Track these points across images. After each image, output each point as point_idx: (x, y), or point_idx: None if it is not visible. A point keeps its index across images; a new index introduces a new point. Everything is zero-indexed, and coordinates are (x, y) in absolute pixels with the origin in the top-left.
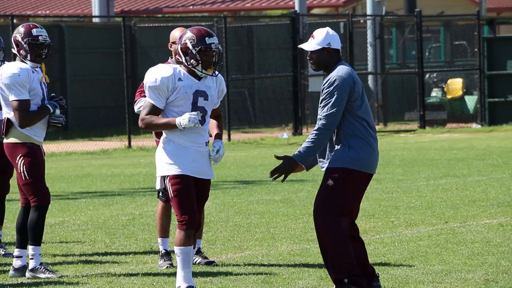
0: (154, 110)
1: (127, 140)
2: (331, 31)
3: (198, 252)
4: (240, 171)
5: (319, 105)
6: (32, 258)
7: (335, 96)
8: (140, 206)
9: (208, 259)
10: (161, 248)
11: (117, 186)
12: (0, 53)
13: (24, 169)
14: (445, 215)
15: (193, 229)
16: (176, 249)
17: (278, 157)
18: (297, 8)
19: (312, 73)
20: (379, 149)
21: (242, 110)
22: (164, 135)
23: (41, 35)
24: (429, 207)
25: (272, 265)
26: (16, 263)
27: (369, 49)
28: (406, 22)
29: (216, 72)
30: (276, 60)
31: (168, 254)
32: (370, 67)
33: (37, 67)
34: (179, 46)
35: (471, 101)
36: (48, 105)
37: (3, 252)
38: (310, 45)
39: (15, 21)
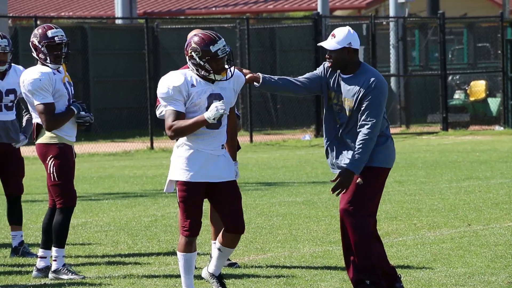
0: (177, 116)
1: (149, 141)
2: (351, 31)
3: None
4: (262, 172)
5: (362, 107)
6: (55, 260)
7: (381, 101)
8: (162, 208)
9: (230, 260)
10: None
11: (139, 187)
12: (9, 55)
13: (54, 170)
14: (468, 217)
15: (194, 236)
16: (178, 255)
17: (334, 180)
18: (319, 9)
19: None
20: (402, 151)
21: (264, 112)
22: (180, 140)
23: (57, 36)
24: (452, 210)
25: (294, 267)
26: (40, 263)
27: (392, 51)
28: (429, 24)
29: (230, 74)
30: (299, 62)
31: None
32: (392, 69)
33: (59, 68)
34: (187, 57)
35: (494, 103)
36: (72, 107)
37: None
38: (330, 44)
39: (38, 22)
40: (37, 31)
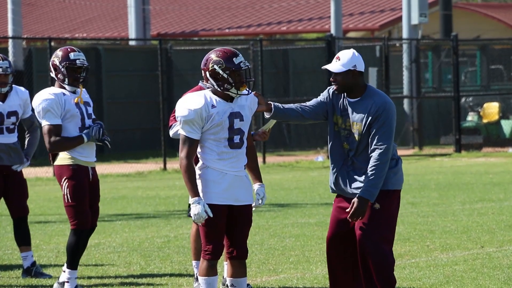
0: (192, 144)
1: (162, 162)
2: (356, 53)
3: None
4: (275, 194)
5: (372, 131)
6: (67, 282)
7: (392, 124)
8: (175, 229)
9: None
10: (195, 271)
11: (152, 208)
12: (10, 77)
13: (67, 192)
14: (481, 239)
15: (216, 260)
16: (200, 279)
17: (350, 209)
18: (333, 31)
19: None
20: (415, 173)
21: (277, 133)
22: (201, 162)
23: (79, 59)
24: (464, 232)
25: None
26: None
27: (405, 73)
28: (442, 46)
29: (249, 90)
30: (312, 83)
31: None
32: (405, 91)
33: (75, 91)
34: (207, 72)
35: (507, 125)
36: (83, 135)
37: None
38: (335, 67)
39: (52, 43)
40: (59, 52)
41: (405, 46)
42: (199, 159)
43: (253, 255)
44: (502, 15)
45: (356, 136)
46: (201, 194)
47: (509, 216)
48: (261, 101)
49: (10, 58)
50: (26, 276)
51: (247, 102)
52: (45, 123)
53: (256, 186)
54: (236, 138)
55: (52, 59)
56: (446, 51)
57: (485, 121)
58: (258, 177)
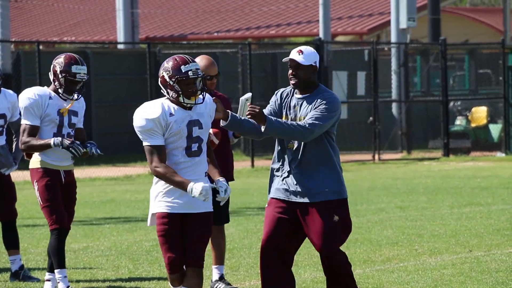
0: (159, 150)
1: None
2: (315, 51)
3: (221, 279)
4: (263, 197)
5: (312, 113)
6: (59, 282)
7: (331, 115)
8: None
9: (231, 285)
10: None
11: (140, 212)
12: None
13: (38, 194)
14: (469, 243)
15: (175, 274)
16: None
17: (252, 110)
18: (321, 35)
19: None
20: (403, 177)
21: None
22: None
23: (79, 73)
24: (453, 236)
25: None
26: (46, 286)
27: (393, 77)
28: (430, 50)
29: (201, 99)
30: None
31: None
32: (394, 95)
33: (66, 100)
34: (159, 79)
35: (495, 129)
36: (51, 140)
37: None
38: (300, 59)
39: (41, 47)
40: (62, 60)
41: (393, 50)
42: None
43: (241, 259)
44: (491, 20)
45: None
46: (158, 204)
47: (497, 220)
48: (219, 108)
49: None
50: (14, 279)
51: (206, 109)
52: (23, 122)
53: (217, 180)
54: (194, 146)
55: (54, 63)
56: (434, 55)
57: (473, 125)
58: (218, 173)
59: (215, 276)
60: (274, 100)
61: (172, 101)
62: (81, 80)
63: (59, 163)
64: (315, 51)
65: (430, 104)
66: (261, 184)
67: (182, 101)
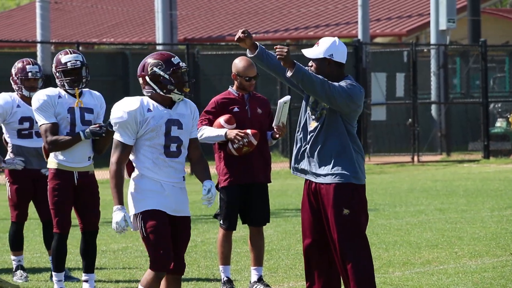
0: (124, 149)
1: (189, 167)
2: (337, 42)
3: (260, 280)
4: (301, 199)
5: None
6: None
7: (351, 93)
8: (202, 233)
9: (270, 287)
10: (223, 275)
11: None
12: (39, 81)
13: (48, 196)
14: (510, 246)
15: (164, 272)
16: None
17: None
18: (360, 37)
19: (374, 101)
20: (443, 179)
21: None
22: (136, 171)
23: (70, 61)
24: (493, 238)
25: None
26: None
27: (433, 78)
28: (470, 52)
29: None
30: None
31: (230, 282)
32: (433, 97)
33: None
34: (146, 77)
35: None
36: (80, 132)
37: (23, 275)
38: (311, 52)
39: (80, 48)
40: (55, 58)
41: (433, 52)
42: (135, 169)
43: (280, 260)
44: None
45: (325, 112)
46: (141, 203)
47: None
48: (247, 41)
49: (39, 62)
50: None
51: (187, 111)
52: (41, 122)
53: (204, 181)
54: (173, 147)
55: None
56: (474, 57)
57: None
58: (207, 176)
59: (254, 277)
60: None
61: (153, 99)
62: (73, 66)
63: (74, 164)
64: (335, 42)
65: (470, 106)
66: (299, 185)
67: (179, 93)
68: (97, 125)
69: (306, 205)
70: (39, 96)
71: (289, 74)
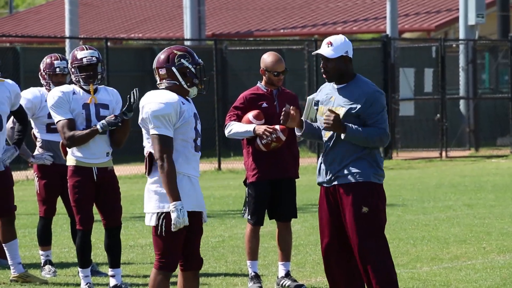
0: (169, 141)
1: (217, 162)
2: (347, 39)
3: (288, 275)
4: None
5: (368, 117)
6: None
7: (385, 112)
8: (229, 228)
9: (297, 282)
10: (250, 271)
11: (207, 208)
12: (67, 77)
13: (69, 193)
14: None
15: (172, 272)
16: None
17: (329, 118)
18: (388, 32)
19: (402, 97)
20: (471, 174)
21: None
22: None
23: (86, 57)
24: None
25: None
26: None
27: (461, 74)
28: (499, 47)
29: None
30: None
31: (257, 277)
32: (462, 92)
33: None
34: (173, 67)
35: None
36: (96, 125)
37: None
38: (328, 52)
39: (109, 43)
40: (71, 54)
41: (461, 47)
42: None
43: (307, 255)
44: None
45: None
46: (157, 201)
47: None
48: (297, 116)
49: (67, 58)
50: None
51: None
52: (57, 119)
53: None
54: (199, 141)
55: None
56: (503, 52)
57: None
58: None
59: (281, 272)
60: (312, 99)
61: (175, 93)
62: (89, 63)
63: (93, 160)
64: (346, 39)
65: (499, 101)
66: None
67: (200, 87)
68: (112, 116)
69: (324, 205)
70: (54, 93)
71: (343, 137)
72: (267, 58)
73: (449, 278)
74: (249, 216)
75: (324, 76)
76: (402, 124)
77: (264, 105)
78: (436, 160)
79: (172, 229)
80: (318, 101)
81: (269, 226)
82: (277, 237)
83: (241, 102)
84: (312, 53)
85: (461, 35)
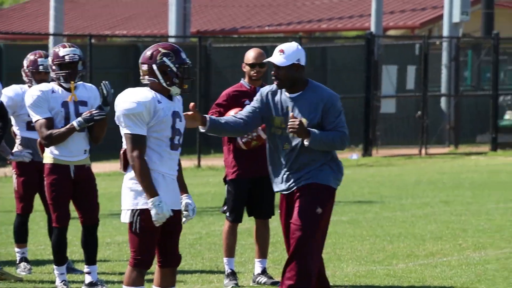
0: (141, 140)
1: (196, 159)
2: (299, 46)
3: (264, 272)
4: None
5: (327, 123)
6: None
7: (343, 115)
8: (207, 226)
9: (273, 279)
10: (226, 268)
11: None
12: (50, 75)
13: (46, 191)
14: None
15: (147, 270)
16: None
17: (293, 123)
18: (373, 29)
19: (384, 94)
20: (450, 171)
21: None
22: None
23: (68, 55)
24: (498, 231)
25: (337, 287)
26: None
27: (444, 71)
28: (483, 45)
29: (189, 88)
30: (350, 81)
31: (234, 274)
32: (443, 89)
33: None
34: (154, 65)
35: None
36: (73, 122)
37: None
38: (279, 60)
39: (93, 41)
40: (52, 51)
41: (445, 44)
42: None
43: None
44: None
45: None
46: (142, 199)
47: None
48: (197, 115)
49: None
50: None
51: (179, 104)
52: (36, 118)
53: (184, 198)
54: (177, 139)
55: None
56: (486, 50)
57: None
58: (184, 188)
59: (258, 269)
60: (259, 98)
61: (153, 89)
62: (71, 60)
63: (70, 158)
64: (298, 47)
65: (480, 98)
66: None
67: (181, 88)
68: (87, 112)
69: (284, 216)
70: (32, 92)
71: (306, 143)
72: (248, 53)
73: (425, 275)
74: (228, 213)
75: (275, 83)
76: (384, 121)
77: (247, 102)
78: (416, 157)
79: (155, 225)
80: (265, 104)
81: (247, 223)
82: (255, 234)
83: (224, 99)
84: (263, 61)
85: (445, 33)
